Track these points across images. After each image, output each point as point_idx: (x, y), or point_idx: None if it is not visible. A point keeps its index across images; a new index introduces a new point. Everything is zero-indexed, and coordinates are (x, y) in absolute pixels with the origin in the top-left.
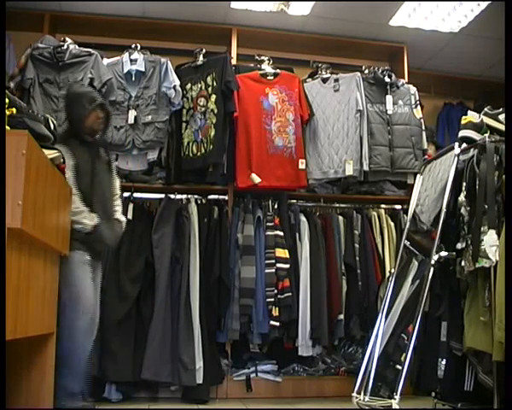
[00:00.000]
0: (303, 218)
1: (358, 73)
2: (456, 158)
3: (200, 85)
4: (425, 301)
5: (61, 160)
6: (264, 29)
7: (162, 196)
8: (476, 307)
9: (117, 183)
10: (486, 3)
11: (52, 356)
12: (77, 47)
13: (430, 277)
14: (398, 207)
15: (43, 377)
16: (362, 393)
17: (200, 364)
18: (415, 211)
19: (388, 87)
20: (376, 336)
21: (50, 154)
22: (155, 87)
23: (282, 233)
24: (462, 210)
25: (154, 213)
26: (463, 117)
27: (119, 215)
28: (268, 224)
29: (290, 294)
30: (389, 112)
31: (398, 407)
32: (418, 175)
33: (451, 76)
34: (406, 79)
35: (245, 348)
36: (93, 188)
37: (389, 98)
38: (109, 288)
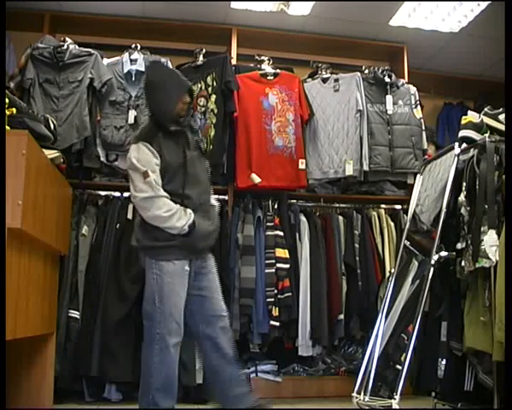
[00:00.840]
0: (303, 218)
1: (358, 73)
2: (456, 158)
3: (200, 85)
4: (425, 301)
5: (61, 160)
6: (264, 29)
7: None
8: (476, 307)
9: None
10: (486, 3)
11: (52, 356)
12: (77, 47)
13: (430, 277)
14: (398, 207)
15: (43, 377)
16: (362, 393)
17: (200, 364)
18: (415, 211)
19: (388, 87)
20: (376, 336)
21: (50, 154)
22: None
23: (282, 233)
24: (462, 210)
25: None
26: (463, 117)
27: (213, 200)
28: (268, 224)
29: (290, 294)
30: (389, 112)
31: (398, 407)
32: (418, 175)
33: (451, 76)
34: (406, 79)
35: (245, 348)
36: (187, 180)
37: (389, 98)
38: (109, 288)
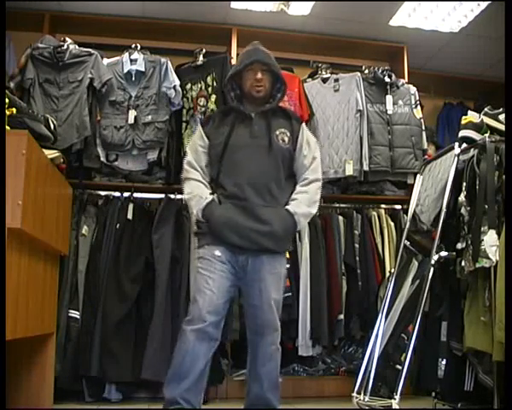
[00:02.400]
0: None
1: (358, 73)
2: (456, 158)
3: (200, 85)
4: (425, 301)
5: (61, 160)
6: (264, 29)
7: (162, 196)
8: (476, 307)
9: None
10: (486, 3)
11: (52, 356)
12: (77, 47)
13: (430, 277)
14: (398, 207)
15: (43, 377)
16: (362, 393)
17: None
18: (415, 211)
19: (388, 87)
20: (376, 336)
21: (50, 154)
22: (155, 87)
23: None
24: (462, 210)
25: (154, 213)
26: (463, 117)
27: (292, 204)
28: None
29: (290, 294)
30: (389, 112)
31: (398, 407)
32: (418, 175)
33: (451, 76)
34: (406, 79)
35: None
36: (222, 166)
37: (389, 98)
38: (109, 288)
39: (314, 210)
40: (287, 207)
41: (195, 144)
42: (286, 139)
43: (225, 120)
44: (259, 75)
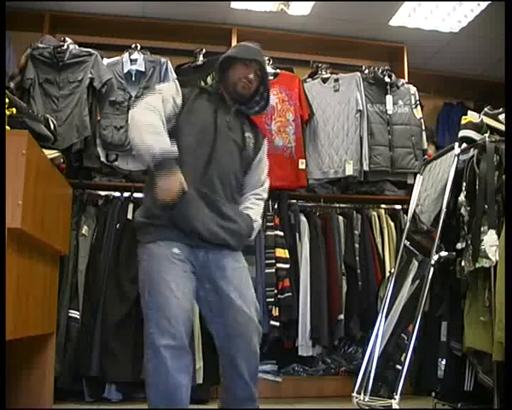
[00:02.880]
0: (303, 218)
1: (358, 73)
2: (456, 158)
3: None
4: (425, 301)
5: (61, 160)
6: (264, 29)
7: None
8: (476, 307)
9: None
10: (486, 3)
11: (52, 356)
12: (77, 47)
13: (430, 277)
14: (398, 207)
15: (43, 377)
16: (362, 393)
17: (200, 364)
18: (415, 211)
19: (388, 87)
20: (376, 336)
21: (50, 154)
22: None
23: (282, 233)
24: (462, 210)
25: None
26: (463, 117)
27: (251, 211)
28: (268, 224)
29: (290, 294)
30: (389, 112)
31: (398, 407)
32: (418, 175)
33: (451, 76)
34: (406, 79)
35: None
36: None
37: (389, 98)
38: (109, 288)
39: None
40: (247, 211)
41: (167, 94)
42: (251, 145)
43: (202, 96)
44: (252, 76)
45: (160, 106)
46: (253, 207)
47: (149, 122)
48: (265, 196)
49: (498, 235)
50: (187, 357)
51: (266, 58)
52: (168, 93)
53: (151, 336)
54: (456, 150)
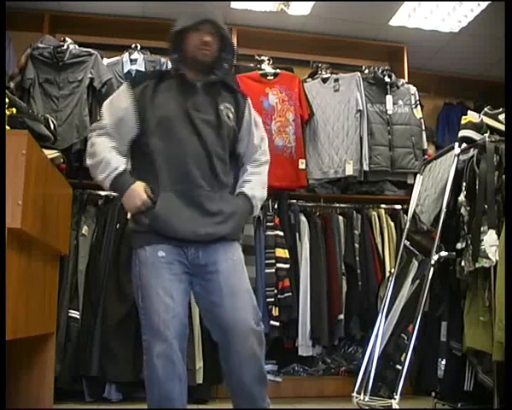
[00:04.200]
0: (303, 218)
1: (358, 73)
2: (456, 158)
3: None
4: (425, 301)
5: (61, 160)
6: (264, 29)
7: None
8: (476, 307)
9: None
10: (486, 3)
11: (52, 356)
12: (77, 47)
13: (430, 277)
14: (398, 207)
15: (43, 377)
16: (362, 393)
17: (200, 364)
18: (415, 211)
19: (388, 87)
20: (376, 336)
21: (50, 154)
22: None
23: (282, 233)
24: (462, 210)
25: None
26: (463, 117)
27: (247, 186)
28: (268, 224)
29: (290, 294)
30: (389, 112)
31: (398, 407)
32: (418, 175)
33: (451, 76)
34: (406, 79)
35: None
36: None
37: (389, 98)
38: (109, 288)
39: (266, 194)
40: (242, 189)
41: (117, 108)
42: (231, 116)
43: (161, 86)
44: (208, 38)
45: (115, 124)
46: (251, 178)
47: (99, 157)
48: (265, 159)
49: (498, 235)
50: (179, 363)
51: (266, 58)
52: (118, 106)
53: (145, 343)
54: (456, 150)
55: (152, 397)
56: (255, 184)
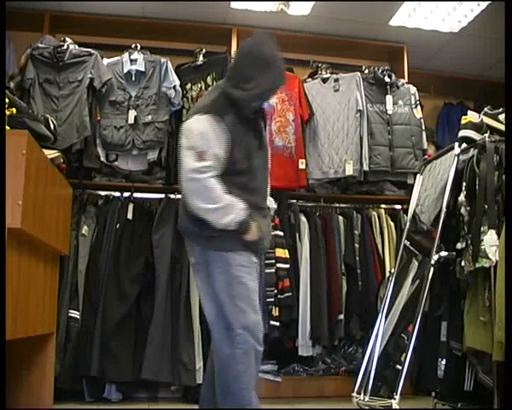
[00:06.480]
0: (303, 218)
1: (358, 73)
2: (456, 158)
3: (200, 85)
4: (425, 301)
5: (61, 160)
6: (264, 29)
7: (162, 196)
8: (476, 307)
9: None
10: (486, 3)
11: (52, 356)
12: (77, 47)
13: (430, 277)
14: (398, 207)
15: (43, 377)
16: (362, 393)
17: (200, 364)
18: (415, 211)
19: (388, 87)
20: (376, 336)
21: (50, 154)
22: (155, 87)
23: (281, 233)
24: (462, 210)
25: (154, 213)
26: (463, 117)
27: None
28: None
29: (290, 294)
30: (389, 112)
31: (398, 407)
32: (418, 175)
33: (451, 76)
34: (406, 79)
35: None
36: (253, 173)
37: (389, 98)
38: (109, 288)
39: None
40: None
41: (219, 150)
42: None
43: (241, 122)
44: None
45: (217, 163)
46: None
47: (227, 201)
48: None
49: (498, 235)
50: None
51: None
52: (220, 149)
53: (239, 337)
54: (456, 150)
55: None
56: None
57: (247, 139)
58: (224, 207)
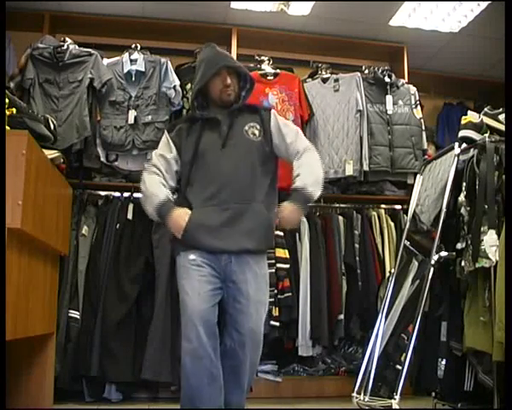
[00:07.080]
0: (303, 218)
1: (358, 73)
2: (456, 158)
3: None
4: (425, 301)
5: (61, 160)
6: (264, 29)
7: None
8: (476, 307)
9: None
10: (486, 3)
11: (52, 356)
12: (77, 47)
13: (430, 277)
14: (398, 207)
15: (43, 377)
16: (362, 393)
17: None
18: (415, 211)
19: (388, 87)
20: (376, 336)
21: (50, 154)
22: (155, 87)
23: (281, 233)
24: (462, 210)
25: None
26: (463, 117)
27: (297, 180)
28: None
29: (290, 294)
30: (389, 112)
31: (398, 407)
32: (418, 175)
33: (451, 76)
34: (406, 79)
35: None
36: (193, 176)
37: (389, 98)
38: (109, 288)
39: (320, 172)
40: (294, 185)
41: (162, 152)
42: (256, 132)
43: (193, 127)
44: (228, 81)
45: (160, 164)
46: (299, 171)
47: (149, 192)
48: (303, 146)
49: (498, 235)
50: (206, 359)
51: (266, 58)
52: (164, 152)
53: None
54: (456, 150)
55: (184, 391)
56: (304, 173)
57: (193, 139)
58: (147, 197)
